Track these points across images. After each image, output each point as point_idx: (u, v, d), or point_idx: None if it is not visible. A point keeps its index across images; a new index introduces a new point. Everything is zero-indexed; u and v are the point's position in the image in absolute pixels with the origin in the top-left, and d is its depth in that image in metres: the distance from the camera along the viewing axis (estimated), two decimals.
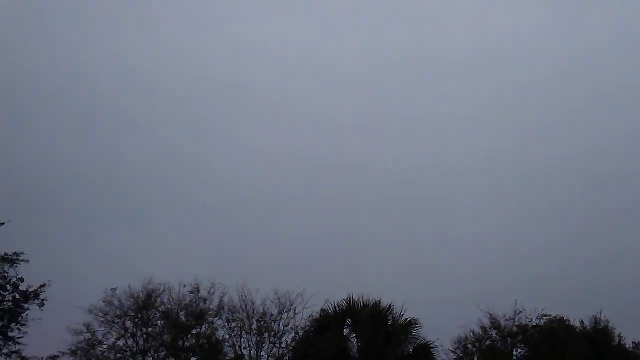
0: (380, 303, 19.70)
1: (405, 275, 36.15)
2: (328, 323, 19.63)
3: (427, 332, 19.82)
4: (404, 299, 20.08)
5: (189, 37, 52.29)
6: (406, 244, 39.56)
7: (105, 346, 25.62)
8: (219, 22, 52.72)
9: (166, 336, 26.40)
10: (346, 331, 20.03)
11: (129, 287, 26.39)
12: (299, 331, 27.00)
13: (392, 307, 19.74)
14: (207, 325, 27.10)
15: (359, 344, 19.44)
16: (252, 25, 54.39)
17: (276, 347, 27.18)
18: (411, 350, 19.47)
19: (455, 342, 27.43)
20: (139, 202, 40.86)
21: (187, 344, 26.50)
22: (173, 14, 53.25)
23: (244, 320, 27.30)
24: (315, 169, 45.94)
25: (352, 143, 48.65)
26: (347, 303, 19.79)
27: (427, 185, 45.61)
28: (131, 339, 26.01)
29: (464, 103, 50.64)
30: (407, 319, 19.49)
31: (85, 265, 33.00)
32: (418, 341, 19.54)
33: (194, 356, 26.43)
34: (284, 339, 27.28)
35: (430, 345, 19.87)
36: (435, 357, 20.25)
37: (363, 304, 19.67)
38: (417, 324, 19.45)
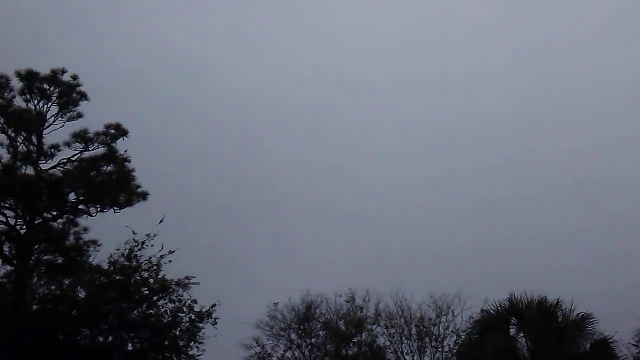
0: (546, 299, 18.58)
1: (568, 267, 33.81)
2: (491, 324, 18.89)
3: (603, 326, 18.35)
4: (571, 292, 18.83)
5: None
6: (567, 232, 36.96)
7: (274, 358, 27.05)
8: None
9: (329, 345, 27.15)
10: (512, 331, 19.16)
11: (289, 300, 27.62)
12: (461, 334, 26.46)
13: (560, 302, 18.55)
14: (366, 333, 27.48)
15: (528, 344, 18.48)
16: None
17: (439, 351, 26.80)
18: (588, 347, 18.10)
19: (636, 335, 24.99)
20: (284, 216, 42.46)
21: (350, 352, 27.02)
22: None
23: (402, 326, 27.30)
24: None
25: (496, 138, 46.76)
26: (509, 301, 18.91)
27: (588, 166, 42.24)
28: (297, 350, 27.16)
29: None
30: (579, 313, 18.17)
31: (246, 282, 35.04)
32: (594, 337, 18.13)
33: None
34: (445, 342, 26.87)
35: (609, 340, 18.32)
36: (615, 352, 18.65)
37: (527, 301, 18.66)
38: (591, 319, 18.05)
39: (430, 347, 26.83)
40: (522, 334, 18.80)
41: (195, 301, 22.69)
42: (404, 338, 27.17)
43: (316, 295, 27.79)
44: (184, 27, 51.34)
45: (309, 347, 27.19)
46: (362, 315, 27.65)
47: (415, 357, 26.83)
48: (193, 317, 22.60)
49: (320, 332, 27.60)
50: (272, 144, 47.42)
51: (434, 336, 26.88)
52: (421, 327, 27.04)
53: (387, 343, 27.33)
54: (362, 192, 43.42)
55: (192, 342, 22.41)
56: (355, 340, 27.24)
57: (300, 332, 27.34)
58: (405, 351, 27.05)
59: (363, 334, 27.43)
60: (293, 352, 27.15)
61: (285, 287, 29.57)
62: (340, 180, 44.89)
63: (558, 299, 18.59)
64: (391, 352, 27.31)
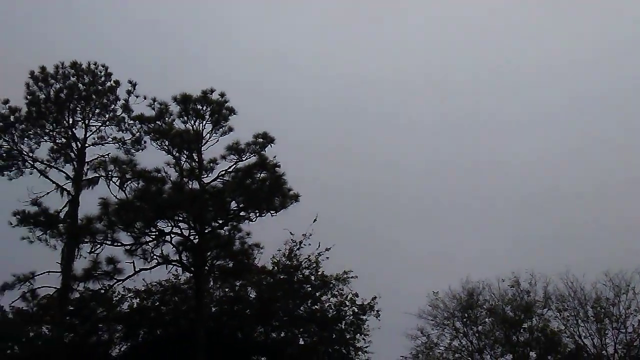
0: None
1: None
2: None
3: None
4: None
5: None
6: None
7: (442, 347, 26.67)
8: None
9: (497, 332, 26.14)
10: None
11: (449, 288, 27.10)
12: None
13: None
14: (537, 318, 26.01)
15: None
16: None
17: (621, 332, 24.53)
18: None
19: None
20: (439, 206, 41.97)
21: (521, 339, 25.78)
22: None
23: (576, 308, 25.44)
24: None
25: None
26: None
27: None
28: (464, 338, 26.52)
29: None
30: None
31: (404, 272, 35.07)
32: None
33: (531, 350, 25.56)
34: (628, 322, 24.55)
35: None
36: None
37: None
38: None
39: (611, 329, 24.68)
40: None
41: (356, 295, 23.30)
42: (580, 321, 25.30)
43: (477, 282, 26.99)
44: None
45: (476, 334, 26.41)
46: (530, 299, 26.24)
47: (595, 340, 24.86)
48: (356, 310, 23.20)
49: (487, 319, 26.66)
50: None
51: (614, 317, 24.69)
52: (599, 308, 24.98)
53: (562, 327, 25.65)
54: (520, 177, 41.76)
55: (358, 334, 23.01)
56: (526, 326, 25.92)
57: (464, 320, 26.67)
58: (583, 334, 25.17)
59: (533, 318, 26.01)
60: (460, 341, 26.57)
61: (443, 276, 29.14)
62: (495, 169, 43.62)
63: None
64: (567, 337, 25.58)
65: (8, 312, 25.66)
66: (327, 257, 23.08)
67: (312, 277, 22.96)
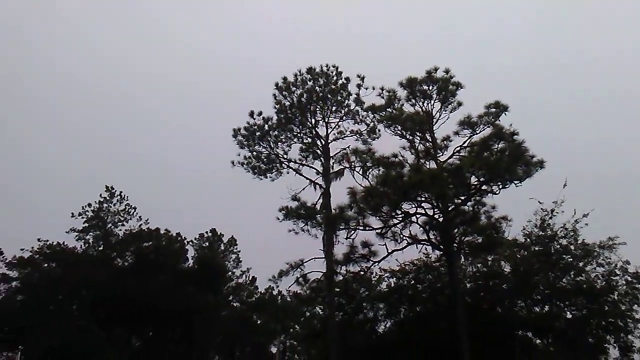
0: None
1: None
2: None
3: None
4: None
5: None
6: None
7: None
8: None
9: None
10: None
11: None
12: None
13: None
14: None
15: None
16: None
17: None
18: None
19: None
20: None
21: None
22: None
23: None
24: None
25: None
26: None
27: None
28: None
29: None
30: None
31: None
32: None
33: None
34: None
35: None
36: None
37: None
38: None
39: None
40: None
41: (627, 262, 20.87)
42: None
43: None
44: None
45: None
46: None
47: None
48: (629, 279, 20.81)
49: None
50: None
51: None
52: None
53: None
54: None
55: (635, 305, 20.60)
56: None
57: None
58: None
59: None
60: None
61: None
62: None
63: None
64: None
65: (286, 296, 29.49)
66: (586, 224, 21.11)
67: (572, 247, 21.24)
